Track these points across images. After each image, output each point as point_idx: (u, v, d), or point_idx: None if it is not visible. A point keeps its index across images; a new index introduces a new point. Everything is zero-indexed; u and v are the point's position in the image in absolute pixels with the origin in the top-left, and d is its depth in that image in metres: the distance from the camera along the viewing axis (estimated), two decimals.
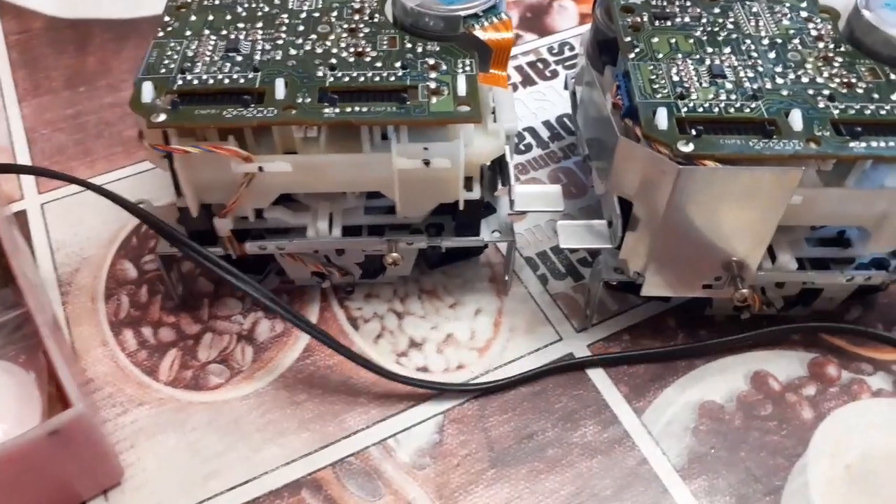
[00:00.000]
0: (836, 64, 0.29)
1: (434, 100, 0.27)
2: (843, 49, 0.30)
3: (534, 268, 0.36)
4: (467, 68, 0.29)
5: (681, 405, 0.31)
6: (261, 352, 0.33)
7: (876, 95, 0.28)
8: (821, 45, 0.30)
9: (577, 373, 0.32)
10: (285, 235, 0.32)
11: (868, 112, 0.27)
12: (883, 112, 0.27)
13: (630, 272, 0.31)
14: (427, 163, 0.28)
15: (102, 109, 0.43)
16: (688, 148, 0.26)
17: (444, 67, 0.29)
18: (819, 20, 0.31)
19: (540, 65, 0.45)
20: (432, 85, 0.28)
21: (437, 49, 0.29)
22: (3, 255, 0.30)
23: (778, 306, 0.33)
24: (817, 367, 0.33)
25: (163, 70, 0.29)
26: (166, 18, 0.31)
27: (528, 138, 0.41)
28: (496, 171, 0.32)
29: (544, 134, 0.41)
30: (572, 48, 0.46)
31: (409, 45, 0.30)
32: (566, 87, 0.39)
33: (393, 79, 0.28)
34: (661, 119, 0.27)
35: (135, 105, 0.27)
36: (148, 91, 0.27)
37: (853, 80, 0.28)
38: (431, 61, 0.29)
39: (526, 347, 0.33)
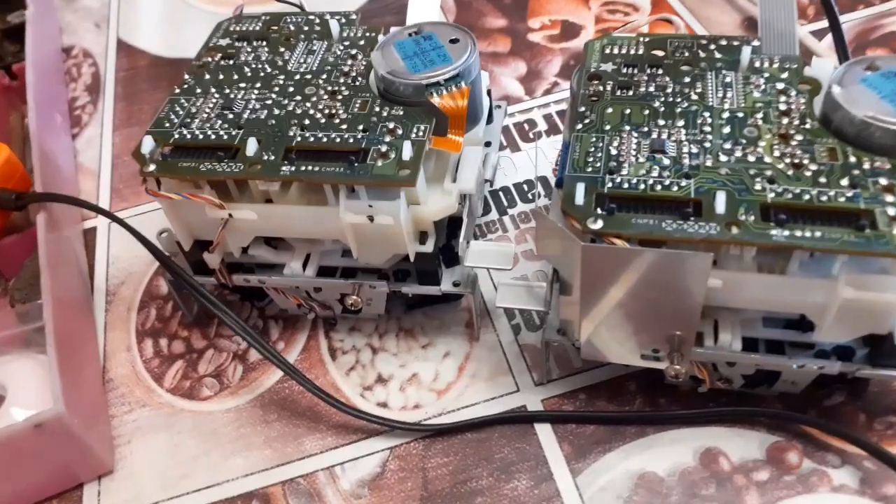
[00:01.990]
0: (794, 142, 0.28)
1: (380, 162, 0.30)
2: (808, 126, 0.29)
3: (510, 317, 0.37)
4: (420, 134, 0.31)
5: (619, 472, 0.31)
6: (249, 371, 0.37)
7: (823, 179, 0.27)
8: (785, 120, 0.29)
9: (524, 426, 0.33)
10: (271, 270, 0.35)
11: (806, 197, 0.26)
12: (823, 199, 0.26)
13: (570, 337, 0.31)
14: (371, 219, 0.31)
15: None
16: (596, 225, 0.26)
17: (400, 132, 0.31)
18: (794, 93, 0.30)
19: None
20: (383, 148, 0.30)
21: (401, 114, 0.32)
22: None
23: (737, 384, 0.32)
24: (777, 451, 0.31)
25: (167, 124, 0.33)
26: (186, 76, 0.36)
27: (539, 187, 0.42)
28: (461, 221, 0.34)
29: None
30: None
31: (377, 110, 0.32)
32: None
33: (352, 141, 0.31)
34: (579, 194, 0.27)
35: (135, 154, 0.32)
36: (148, 143, 0.32)
37: (805, 161, 0.27)
38: (391, 125, 0.31)
39: (483, 394, 0.34)
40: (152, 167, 0.31)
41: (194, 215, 0.33)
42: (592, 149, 0.29)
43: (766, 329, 0.30)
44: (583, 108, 0.31)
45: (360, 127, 0.32)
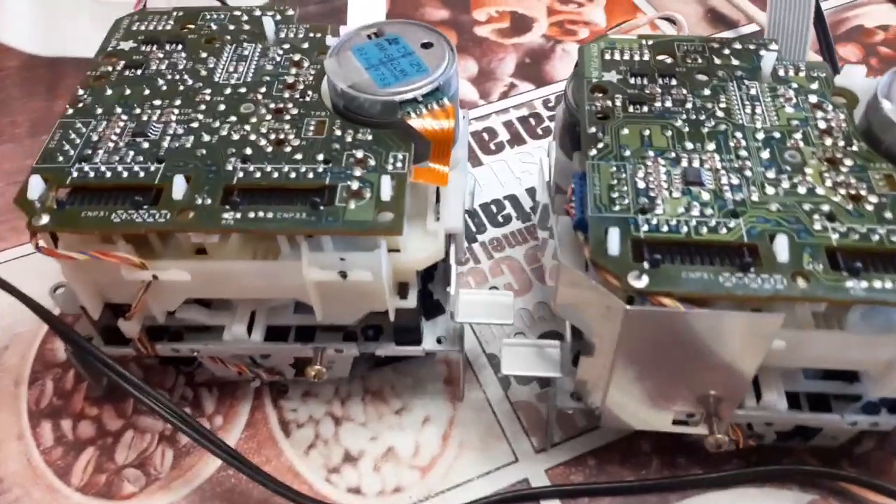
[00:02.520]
0: (845, 168, 0.24)
1: (352, 204, 0.24)
2: (855, 148, 0.25)
3: (496, 367, 0.32)
4: (398, 165, 0.25)
5: None
6: (181, 457, 0.30)
7: (888, 214, 0.23)
8: (828, 141, 0.25)
9: None
10: (205, 334, 0.28)
11: (875, 238, 0.22)
12: (894, 238, 0.22)
13: (587, 401, 0.26)
14: (344, 275, 0.24)
15: None
16: (641, 283, 0.21)
17: (373, 163, 0.25)
18: (831, 107, 0.26)
19: (532, 120, 0.41)
20: (354, 185, 0.24)
21: (370, 139, 0.26)
22: None
23: (769, 440, 0.28)
24: None
25: (60, 158, 0.26)
26: (80, 92, 0.28)
27: (509, 208, 0.37)
28: (447, 266, 0.28)
29: (527, 204, 0.37)
30: None
31: (338, 133, 0.26)
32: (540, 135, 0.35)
33: (311, 175, 0.25)
34: (613, 242, 0.22)
35: (19, 202, 0.25)
36: (36, 186, 0.25)
37: (862, 192, 0.23)
38: (360, 154, 0.25)
39: (476, 469, 0.29)
40: (45, 219, 0.24)
41: (105, 276, 0.25)
42: (615, 181, 0.24)
43: (807, 381, 0.26)
44: (593, 129, 0.25)
45: (320, 157, 0.25)
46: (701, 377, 0.24)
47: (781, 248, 0.22)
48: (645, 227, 0.23)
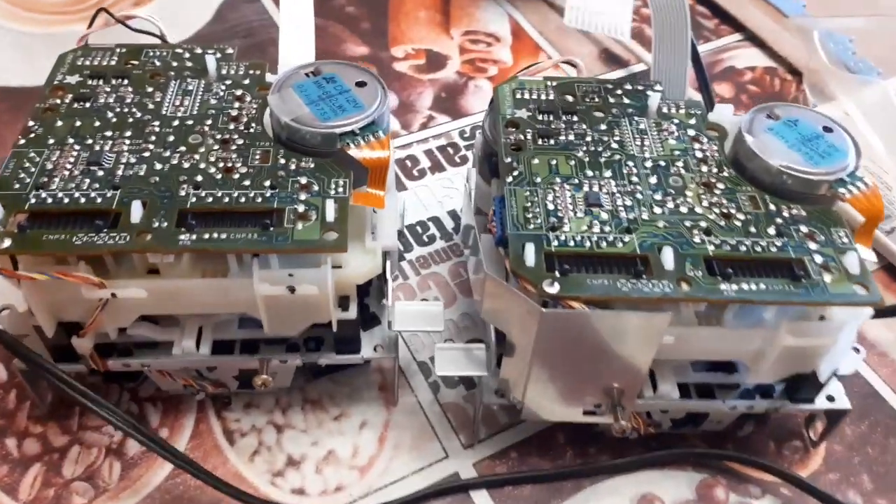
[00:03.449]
0: (718, 191, 0.29)
1: (300, 226, 0.26)
2: (725, 173, 0.29)
3: (426, 374, 0.35)
4: (339, 190, 0.28)
5: None
6: (129, 468, 0.31)
7: (753, 229, 0.27)
8: (704, 168, 0.30)
9: (460, 495, 0.31)
10: (154, 350, 0.30)
11: (743, 248, 0.27)
12: (758, 248, 0.27)
13: (510, 397, 0.30)
14: (292, 290, 0.27)
15: None
16: (553, 289, 0.25)
17: (316, 188, 0.28)
18: (706, 139, 0.31)
19: (450, 149, 0.44)
20: (300, 208, 0.27)
21: (312, 167, 0.28)
22: None
23: (666, 426, 0.32)
24: (706, 489, 0.32)
25: (17, 185, 0.27)
26: (30, 123, 0.30)
27: (433, 229, 0.40)
28: (384, 280, 0.31)
29: (449, 224, 0.40)
30: None
31: (282, 161, 0.29)
32: (467, 181, 0.39)
33: (260, 200, 0.27)
34: (530, 255, 0.26)
35: None
36: None
37: (732, 211, 0.28)
38: (304, 180, 0.28)
39: (410, 466, 0.32)
40: (7, 243, 0.25)
41: (62, 295, 0.27)
42: (529, 203, 0.28)
43: (695, 373, 0.30)
44: (509, 160, 0.29)
45: (267, 183, 0.28)
46: (605, 371, 0.27)
47: (668, 258, 0.26)
48: (555, 242, 0.26)
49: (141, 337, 0.29)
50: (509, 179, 0.28)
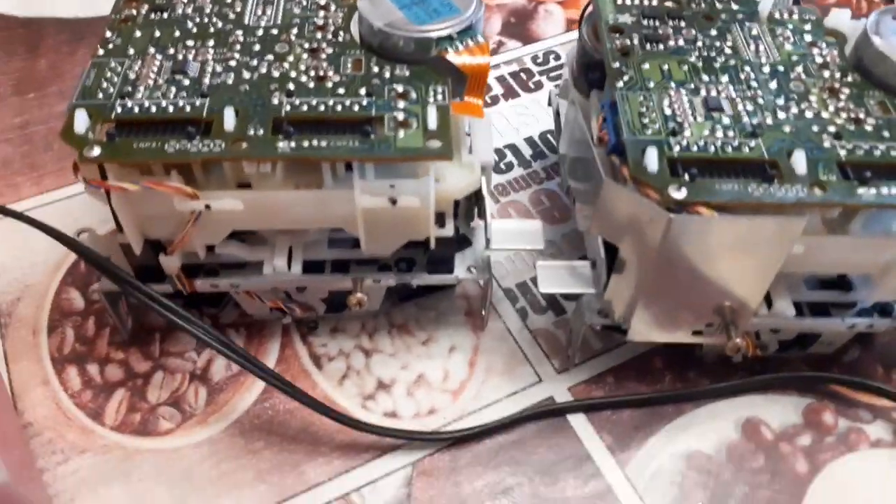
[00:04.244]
0: (843, 96, 0.27)
1: (401, 133, 0.25)
2: (850, 79, 0.27)
3: (513, 300, 0.33)
4: (439, 97, 0.26)
5: (667, 456, 0.29)
6: (215, 393, 0.30)
7: (886, 133, 0.25)
8: (826, 73, 0.27)
9: (557, 419, 0.30)
10: (241, 271, 0.29)
11: (878, 153, 0.25)
12: (894, 153, 0.25)
13: (615, 316, 0.28)
14: (394, 201, 0.25)
15: (52, 119, 0.40)
16: (680, 194, 0.23)
17: (414, 96, 0.26)
18: (825, 45, 0.29)
19: (523, 75, 0.42)
20: (400, 116, 0.25)
21: (407, 74, 0.27)
22: None
23: (772, 349, 0.31)
24: (813, 413, 0.30)
25: (100, 95, 0.26)
26: (108, 34, 0.28)
27: (510, 156, 0.39)
28: (473, 201, 0.30)
29: (526, 152, 0.39)
30: (558, 57, 0.43)
31: (375, 69, 0.27)
32: (549, 104, 0.37)
33: (357, 108, 0.25)
34: (651, 160, 0.24)
35: (66, 136, 0.25)
36: (82, 120, 0.25)
37: (861, 116, 0.26)
38: (400, 88, 0.26)
39: (503, 390, 0.31)
40: (97, 151, 0.24)
41: (152, 208, 0.26)
42: (644, 109, 0.26)
43: (809, 291, 0.29)
44: (617, 64, 0.27)
45: (363, 91, 0.26)
46: (724, 286, 0.26)
47: (799, 162, 0.24)
48: (677, 148, 0.25)
49: (229, 256, 0.28)
50: (620, 84, 0.27)
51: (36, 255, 0.34)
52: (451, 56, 0.26)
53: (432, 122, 0.25)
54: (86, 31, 0.44)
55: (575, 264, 0.28)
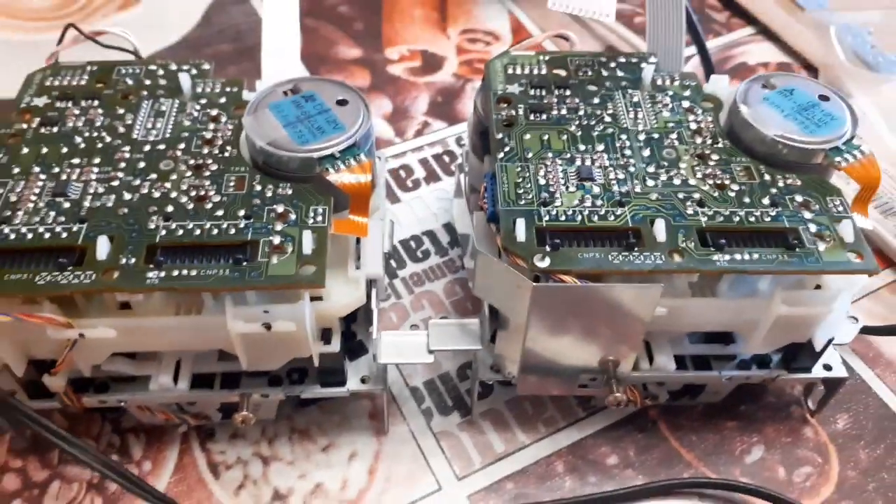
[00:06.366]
0: (712, 162, 0.29)
1: (275, 259, 0.26)
2: (720, 144, 0.30)
3: (419, 400, 0.34)
4: (318, 219, 0.27)
5: None
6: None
7: (747, 199, 0.28)
8: (699, 139, 0.30)
9: None
10: (131, 384, 0.30)
11: (737, 219, 0.27)
12: (752, 219, 0.27)
13: (504, 372, 0.30)
14: (269, 326, 0.26)
15: None
16: (544, 263, 0.26)
17: (293, 217, 0.27)
18: (700, 111, 0.31)
19: (446, 157, 0.43)
20: (276, 240, 0.26)
21: (290, 193, 0.28)
22: None
23: (662, 399, 0.33)
24: None
25: None
26: None
27: (427, 243, 0.39)
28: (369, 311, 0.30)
29: (444, 239, 0.40)
30: None
31: (258, 188, 0.28)
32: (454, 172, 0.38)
33: (233, 231, 0.26)
34: (520, 231, 0.27)
35: None
36: None
37: (726, 181, 0.29)
38: (280, 209, 0.27)
39: (401, 500, 0.31)
40: None
41: (28, 334, 0.27)
42: (520, 179, 0.29)
43: (691, 345, 0.31)
44: (500, 135, 0.30)
45: (241, 213, 0.27)
46: (599, 344, 0.28)
47: (660, 229, 0.27)
48: (546, 217, 0.27)
49: (116, 372, 0.29)
50: (500, 155, 0.29)
51: None
52: (332, 175, 0.27)
53: (308, 246, 0.26)
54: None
55: (465, 322, 0.30)
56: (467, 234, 0.36)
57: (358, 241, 0.30)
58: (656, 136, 0.30)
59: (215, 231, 0.27)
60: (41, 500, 0.31)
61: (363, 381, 0.30)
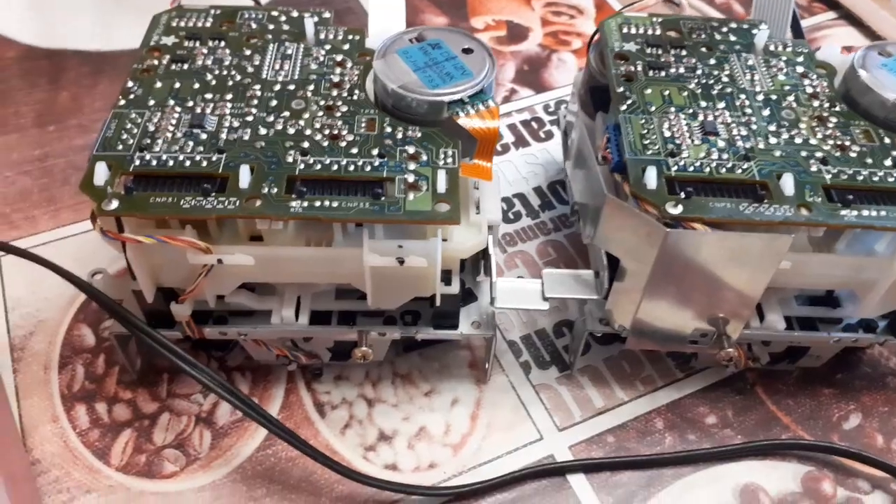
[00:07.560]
0: (831, 124, 0.29)
1: (411, 196, 0.26)
2: (837, 108, 0.30)
3: (517, 353, 0.34)
4: (449, 160, 0.27)
5: None
6: (219, 437, 0.31)
7: (869, 160, 0.28)
8: (815, 103, 0.30)
9: (556, 479, 0.31)
10: (249, 319, 0.30)
11: (860, 178, 0.27)
12: (875, 178, 0.27)
13: (615, 325, 0.30)
14: (402, 261, 0.26)
15: (71, 152, 0.41)
16: (676, 210, 0.26)
17: (425, 158, 0.27)
18: (815, 76, 0.31)
19: (534, 124, 0.43)
20: (410, 178, 0.26)
21: (419, 136, 0.28)
22: None
23: (763, 361, 0.33)
24: (812, 482, 0.31)
25: (120, 146, 0.27)
26: (129, 84, 0.29)
27: (518, 206, 0.39)
28: (479, 255, 0.30)
29: (535, 202, 0.40)
30: None
31: (388, 130, 0.28)
32: (558, 125, 0.38)
33: (369, 168, 0.27)
34: (651, 178, 0.27)
35: (86, 188, 0.26)
36: (101, 173, 0.26)
37: (847, 143, 0.29)
38: (411, 150, 0.27)
39: (504, 446, 0.32)
40: (115, 204, 0.25)
41: (165, 260, 0.27)
42: (645, 131, 0.28)
43: (799, 307, 0.31)
44: (621, 89, 0.30)
45: (375, 151, 0.27)
46: (716, 297, 0.28)
47: (787, 184, 0.27)
48: (675, 168, 0.27)
49: (239, 305, 0.29)
50: (623, 108, 0.29)
51: (49, 291, 0.35)
52: (462, 120, 0.27)
53: (442, 185, 0.26)
54: (106, 64, 0.46)
55: (579, 273, 0.30)
56: (585, 204, 0.34)
57: (477, 186, 0.31)
58: (774, 97, 0.30)
59: (352, 167, 0.27)
60: (151, 430, 0.32)
61: (474, 325, 0.31)
